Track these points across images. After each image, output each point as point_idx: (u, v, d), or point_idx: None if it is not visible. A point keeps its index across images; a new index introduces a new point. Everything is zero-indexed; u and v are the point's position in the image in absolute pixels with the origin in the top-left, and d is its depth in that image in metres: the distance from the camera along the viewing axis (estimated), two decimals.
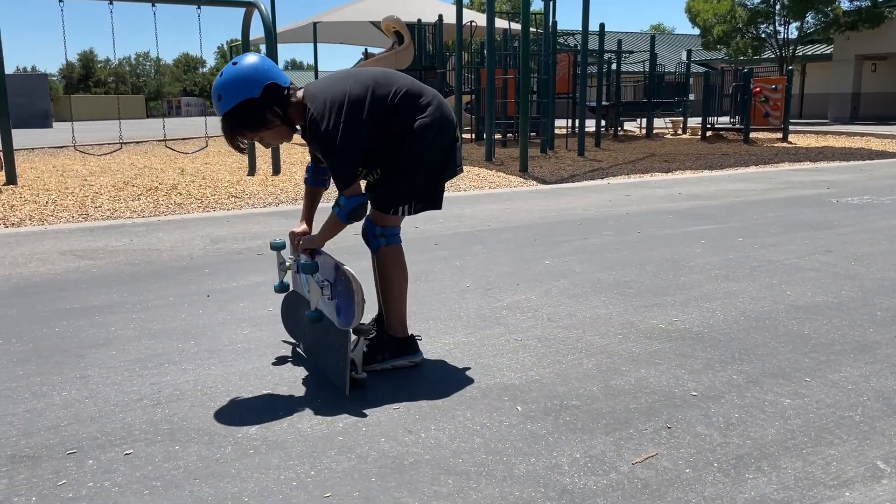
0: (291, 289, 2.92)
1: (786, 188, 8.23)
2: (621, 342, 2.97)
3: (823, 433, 2.16)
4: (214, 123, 26.72)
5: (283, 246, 2.82)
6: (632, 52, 19.49)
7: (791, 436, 2.14)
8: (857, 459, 2.00)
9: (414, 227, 5.76)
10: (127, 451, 2.09)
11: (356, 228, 5.54)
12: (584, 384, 2.53)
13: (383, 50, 18.25)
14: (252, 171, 10.02)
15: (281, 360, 2.80)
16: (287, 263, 2.79)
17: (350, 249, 4.87)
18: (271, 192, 8.15)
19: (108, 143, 16.93)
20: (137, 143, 17.87)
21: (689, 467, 1.97)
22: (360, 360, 2.54)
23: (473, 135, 16.61)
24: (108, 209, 6.98)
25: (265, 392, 2.50)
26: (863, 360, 2.75)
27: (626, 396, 2.42)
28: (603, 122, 17.99)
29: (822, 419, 2.25)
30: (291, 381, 2.60)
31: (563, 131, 17.05)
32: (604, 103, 17.68)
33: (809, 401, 2.39)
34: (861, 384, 2.52)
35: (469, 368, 2.69)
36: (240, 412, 2.33)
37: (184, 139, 18.08)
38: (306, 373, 2.67)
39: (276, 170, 9.84)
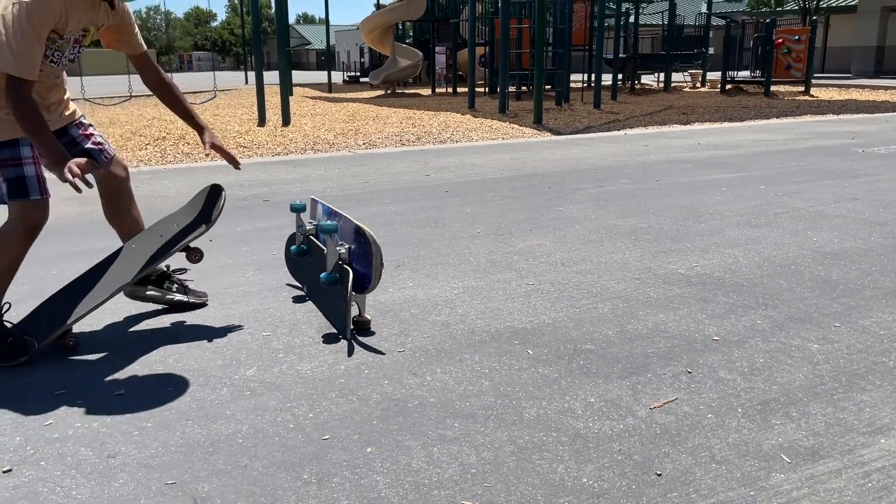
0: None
1: (809, 138, 7.98)
2: (638, 287, 2.86)
3: (855, 378, 2.03)
4: (223, 77, 26.49)
5: (302, 208, 2.72)
6: (650, 3, 18.92)
7: (820, 381, 2.02)
8: (892, 406, 1.88)
9: (424, 176, 5.64)
10: (118, 392, 2.00)
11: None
12: (598, 328, 2.43)
13: (394, 0, 17.85)
14: (262, 121, 9.89)
15: (283, 303, 2.71)
16: (307, 227, 2.69)
17: (357, 197, 4.74)
18: (280, 142, 8.02)
19: (118, 96, 16.78)
20: (148, 95, 17.69)
21: (711, 412, 1.86)
22: (363, 303, 2.44)
23: (487, 88, 16.32)
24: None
25: (265, 334, 2.41)
26: (895, 305, 2.60)
27: (643, 341, 2.32)
28: (620, 76, 17.59)
29: (853, 364, 2.12)
30: (293, 323, 2.51)
31: (579, 85, 16.70)
32: (621, 56, 17.26)
33: (839, 346, 2.26)
34: (894, 329, 2.38)
35: (478, 313, 2.60)
36: (237, 354, 2.25)
37: (194, 92, 17.89)
38: (309, 315, 2.58)
39: (286, 120, 9.71)
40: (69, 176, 1.95)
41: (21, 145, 2.13)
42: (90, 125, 2.42)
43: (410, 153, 7.17)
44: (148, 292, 2.55)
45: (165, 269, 2.59)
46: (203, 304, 2.64)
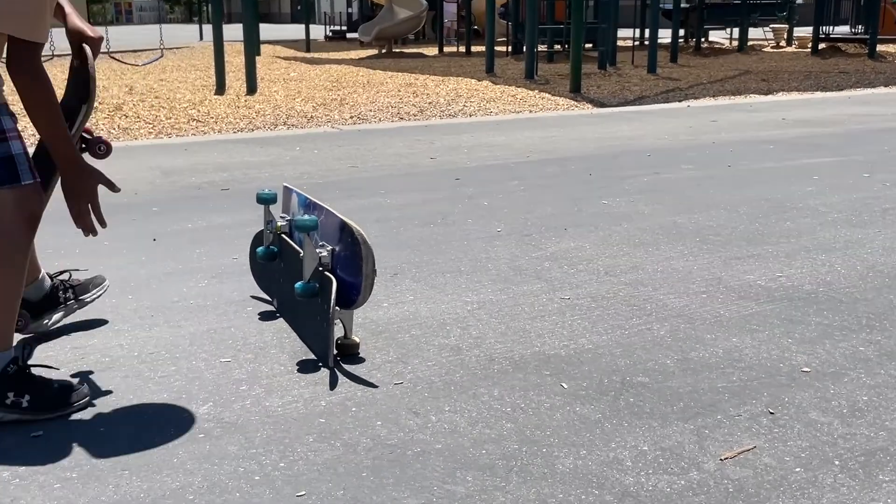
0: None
1: None
2: (705, 303, 2.87)
3: None
4: (172, 32, 26.62)
5: (273, 199, 2.73)
6: None
7: None
8: None
9: (429, 159, 5.67)
10: (35, 433, 2.02)
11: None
12: (653, 356, 2.44)
13: None
14: (221, 89, 9.96)
15: (246, 321, 2.73)
16: (278, 223, 2.70)
17: (347, 184, 4.76)
18: (243, 115, 8.08)
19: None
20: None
21: (799, 465, 1.86)
22: (349, 321, 2.44)
23: (510, 47, 16.35)
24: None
25: (224, 360, 2.43)
26: None
27: (711, 372, 2.32)
28: (682, 32, 17.60)
29: None
30: (259, 346, 2.52)
31: (629, 44, 16.73)
32: (683, 5, 17.26)
33: None
34: None
35: (498, 335, 2.61)
36: (188, 385, 2.26)
37: (134, 51, 18.01)
38: (280, 336, 2.60)
39: (252, 87, 9.78)
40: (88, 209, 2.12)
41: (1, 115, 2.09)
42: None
43: (411, 130, 7.21)
44: (52, 319, 2.57)
45: (52, 281, 2.58)
46: (101, 290, 2.68)
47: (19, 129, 2.15)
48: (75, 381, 2.20)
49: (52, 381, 2.15)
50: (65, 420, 2.07)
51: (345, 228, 2.42)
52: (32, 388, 2.10)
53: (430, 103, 9.05)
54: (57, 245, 3.44)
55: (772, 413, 2.09)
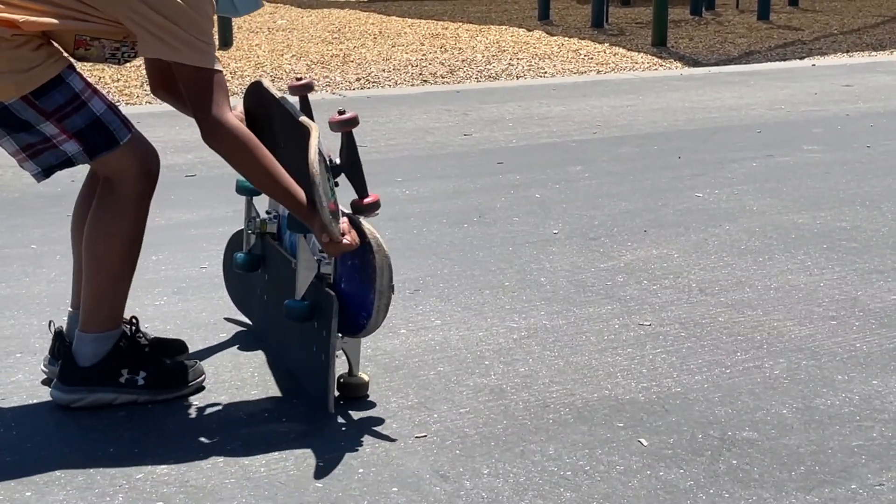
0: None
1: None
2: (834, 332, 2.87)
3: None
4: None
5: (255, 189, 2.76)
6: None
7: None
8: None
9: (461, 136, 5.70)
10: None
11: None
12: (764, 403, 2.44)
13: None
14: None
15: (219, 350, 2.75)
16: (261, 218, 2.74)
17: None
18: None
19: None
20: None
21: None
22: (356, 352, 2.47)
23: None
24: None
25: (191, 403, 2.46)
26: None
27: (843, 426, 2.33)
28: None
29: None
30: (237, 385, 2.56)
31: None
32: None
33: None
34: None
35: (555, 372, 2.62)
36: (143, 436, 2.30)
37: None
38: (263, 371, 2.62)
39: (226, 39, 9.85)
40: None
41: (66, 77, 2.31)
42: None
43: (438, 96, 7.24)
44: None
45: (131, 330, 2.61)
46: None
47: (92, 82, 2.38)
48: (189, 361, 2.54)
49: (165, 360, 2.50)
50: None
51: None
52: (148, 364, 2.47)
53: (463, 61, 9.09)
54: None
55: None
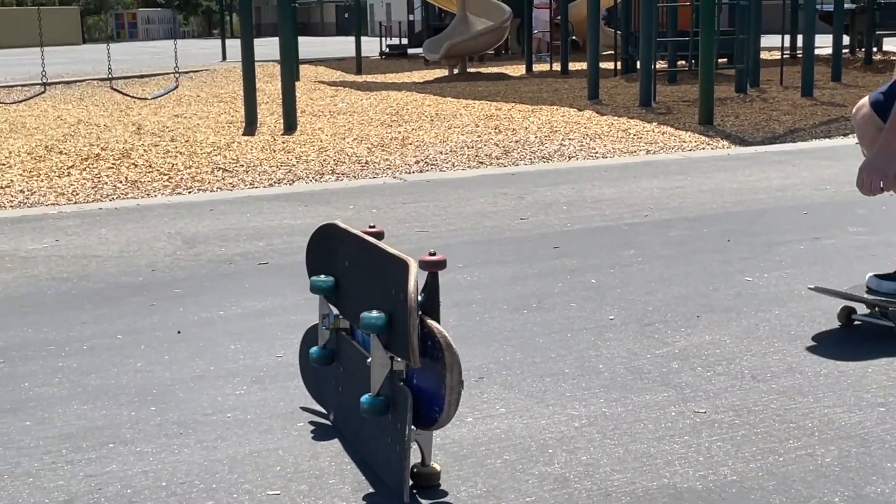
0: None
1: None
2: (882, 419, 2.86)
3: None
4: (189, 50, 27.38)
5: (330, 288, 2.85)
6: None
7: None
8: None
9: (517, 220, 5.76)
10: None
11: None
12: (816, 491, 2.44)
13: None
14: (251, 127, 10.21)
15: (297, 440, 2.81)
16: (337, 319, 2.83)
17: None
18: (281, 161, 8.29)
19: (23, 85, 17.67)
20: (67, 83, 18.59)
21: None
22: (428, 444, 2.53)
23: (618, 63, 16.49)
24: (21, 190, 7.24)
25: (271, 492, 2.51)
26: None
27: None
28: (846, 40, 17.50)
29: None
30: (314, 474, 2.60)
31: (775, 57, 16.67)
32: (848, 6, 17.19)
33: None
34: None
35: (615, 461, 2.64)
36: None
37: (140, 77, 18.68)
38: (340, 461, 2.67)
39: (291, 124, 9.99)
40: None
41: None
42: None
43: (494, 179, 7.32)
44: None
45: None
46: None
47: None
48: None
49: None
50: None
51: (423, 327, 2.48)
52: None
53: (517, 141, 9.18)
54: (61, 339, 3.60)
55: None
